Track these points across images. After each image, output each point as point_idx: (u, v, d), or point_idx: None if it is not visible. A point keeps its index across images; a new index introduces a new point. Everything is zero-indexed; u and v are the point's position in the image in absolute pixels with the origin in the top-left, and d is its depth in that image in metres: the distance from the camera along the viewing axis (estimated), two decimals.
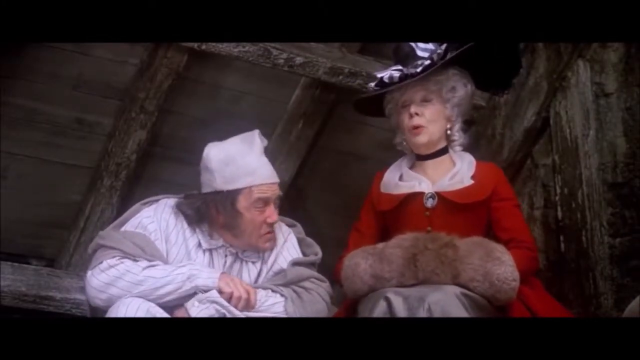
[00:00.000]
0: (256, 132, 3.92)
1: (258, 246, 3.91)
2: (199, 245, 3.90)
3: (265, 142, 3.97)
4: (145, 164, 4.64)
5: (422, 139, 4.16)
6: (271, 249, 3.94)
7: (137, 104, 4.43)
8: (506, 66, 4.32)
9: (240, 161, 3.85)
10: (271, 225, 3.89)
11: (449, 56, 4.12)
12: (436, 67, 4.11)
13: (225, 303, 3.74)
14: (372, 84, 4.25)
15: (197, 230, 3.91)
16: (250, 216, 3.85)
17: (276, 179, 3.93)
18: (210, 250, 3.91)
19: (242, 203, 3.84)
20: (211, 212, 3.87)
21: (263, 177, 3.87)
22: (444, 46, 4.15)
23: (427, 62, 4.12)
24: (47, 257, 4.66)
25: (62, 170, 4.49)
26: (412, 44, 4.17)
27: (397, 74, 4.15)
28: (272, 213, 3.87)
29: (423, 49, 4.16)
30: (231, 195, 3.84)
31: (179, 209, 3.91)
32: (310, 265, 3.99)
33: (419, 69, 4.12)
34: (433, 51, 4.15)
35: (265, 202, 3.86)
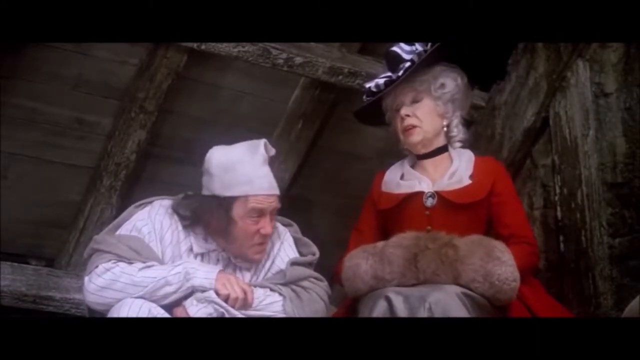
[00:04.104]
0: (262, 142, 3.86)
1: (247, 256, 3.87)
2: (191, 249, 3.89)
3: (273, 151, 3.90)
4: (144, 164, 4.64)
5: (415, 138, 4.15)
6: (260, 262, 3.90)
7: (136, 103, 4.44)
8: (495, 58, 4.32)
9: (240, 169, 3.80)
10: (264, 237, 3.84)
11: (427, 55, 4.12)
12: (421, 67, 4.11)
13: (223, 303, 3.73)
14: (364, 97, 4.26)
15: (191, 233, 3.89)
16: (243, 225, 3.81)
17: (275, 191, 3.86)
18: (201, 254, 3.90)
19: (236, 211, 3.80)
20: (206, 215, 3.84)
21: (260, 187, 3.81)
22: (428, 45, 4.14)
23: (408, 64, 4.13)
24: (46, 257, 4.66)
25: (62, 170, 4.49)
26: (397, 49, 4.16)
27: (382, 81, 4.17)
28: (266, 225, 3.82)
29: (408, 52, 4.16)
30: (227, 202, 3.80)
31: (175, 209, 3.89)
32: (308, 265, 3.98)
33: (400, 72, 4.13)
34: (416, 52, 4.14)
35: (260, 213, 3.81)
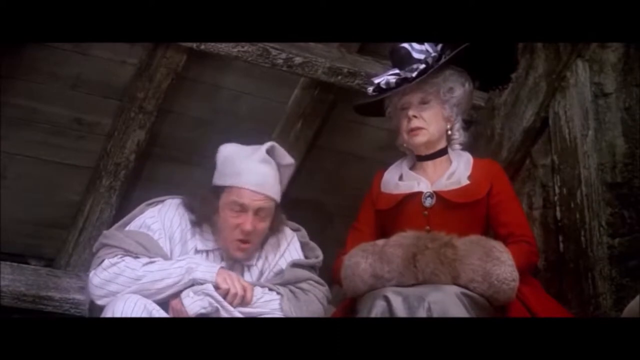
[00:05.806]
0: (267, 145, 3.89)
1: (229, 251, 3.88)
2: (196, 250, 3.91)
3: (287, 160, 3.93)
4: (144, 164, 4.64)
5: (421, 139, 4.16)
6: (244, 260, 3.90)
7: (136, 103, 4.43)
8: (503, 63, 4.33)
9: (233, 162, 3.88)
10: (246, 234, 3.83)
11: (443, 59, 4.13)
12: (434, 69, 4.12)
13: (220, 298, 3.75)
14: (370, 89, 4.25)
15: (197, 231, 3.92)
16: (224, 216, 3.85)
17: (264, 191, 3.84)
18: (206, 252, 3.92)
19: (222, 200, 3.86)
20: (201, 202, 3.90)
21: (247, 182, 3.83)
22: (439, 47, 4.15)
23: (422, 65, 4.12)
24: (46, 257, 4.65)
25: (61, 170, 4.48)
26: (408, 47, 4.16)
27: (393, 79, 4.16)
28: (247, 222, 3.81)
29: (419, 51, 4.16)
30: (218, 190, 3.88)
31: (185, 207, 3.93)
32: (310, 267, 3.99)
33: (414, 74, 4.12)
34: (428, 53, 4.15)
35: (242, 208, 3.82)
